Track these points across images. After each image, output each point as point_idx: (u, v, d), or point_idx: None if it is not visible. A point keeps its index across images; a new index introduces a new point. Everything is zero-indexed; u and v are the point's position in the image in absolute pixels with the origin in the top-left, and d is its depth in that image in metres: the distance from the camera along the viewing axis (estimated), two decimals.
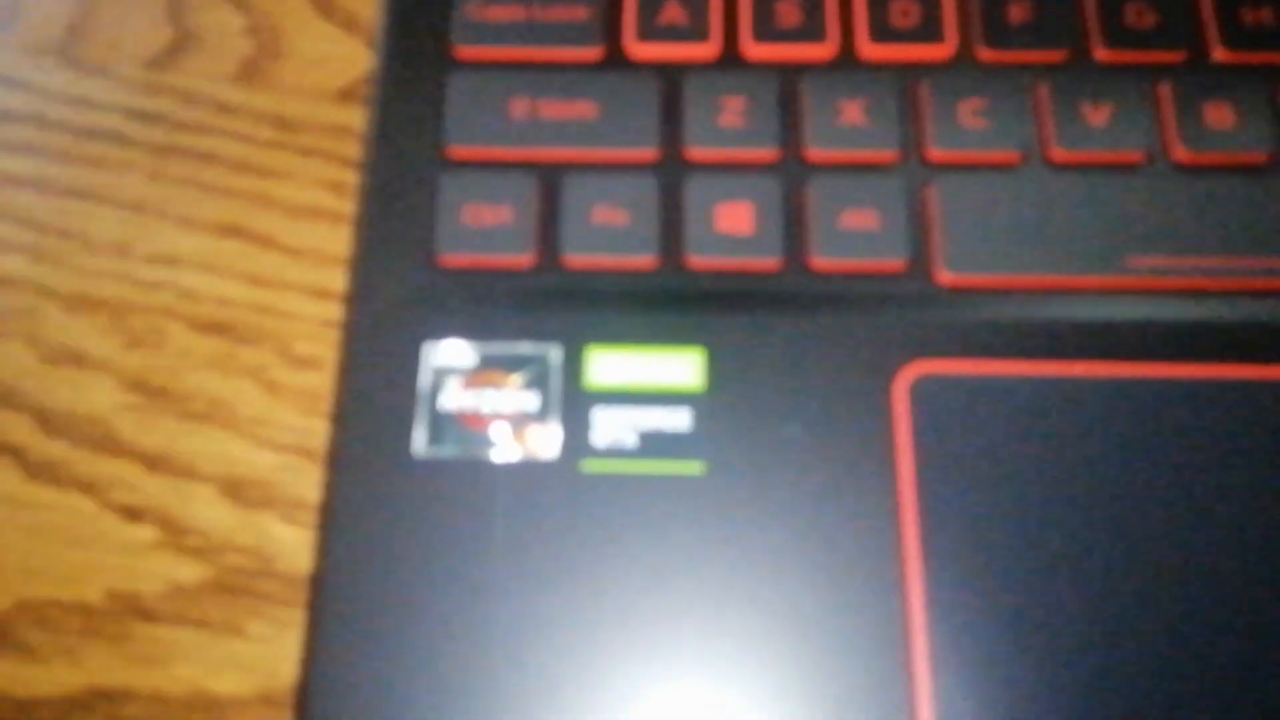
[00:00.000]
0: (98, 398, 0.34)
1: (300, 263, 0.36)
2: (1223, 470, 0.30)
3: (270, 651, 0.32)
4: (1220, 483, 0.30)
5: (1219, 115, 0.34)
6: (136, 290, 0.36)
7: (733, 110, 0.34)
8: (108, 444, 0.34)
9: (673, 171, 0.34)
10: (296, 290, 0.36)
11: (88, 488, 0.33)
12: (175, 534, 0.33)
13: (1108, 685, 0.29)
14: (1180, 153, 0.34)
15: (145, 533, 0.33)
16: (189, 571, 0.32)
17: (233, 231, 0.37)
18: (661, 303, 0.32)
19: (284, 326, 0.35)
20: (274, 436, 0.34)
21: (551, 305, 0.32)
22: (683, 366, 0.31)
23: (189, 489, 0.33)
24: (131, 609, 0.32)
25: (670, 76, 0.35)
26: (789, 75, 0.35)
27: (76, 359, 0.35)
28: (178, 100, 0.39)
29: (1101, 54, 0.35)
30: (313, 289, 0.36)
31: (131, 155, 0.38)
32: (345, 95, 0.39)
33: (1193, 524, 0.30)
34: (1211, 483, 0.30)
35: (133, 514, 0.33)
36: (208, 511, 0.33)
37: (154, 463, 0.34)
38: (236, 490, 0.33)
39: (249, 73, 0.39)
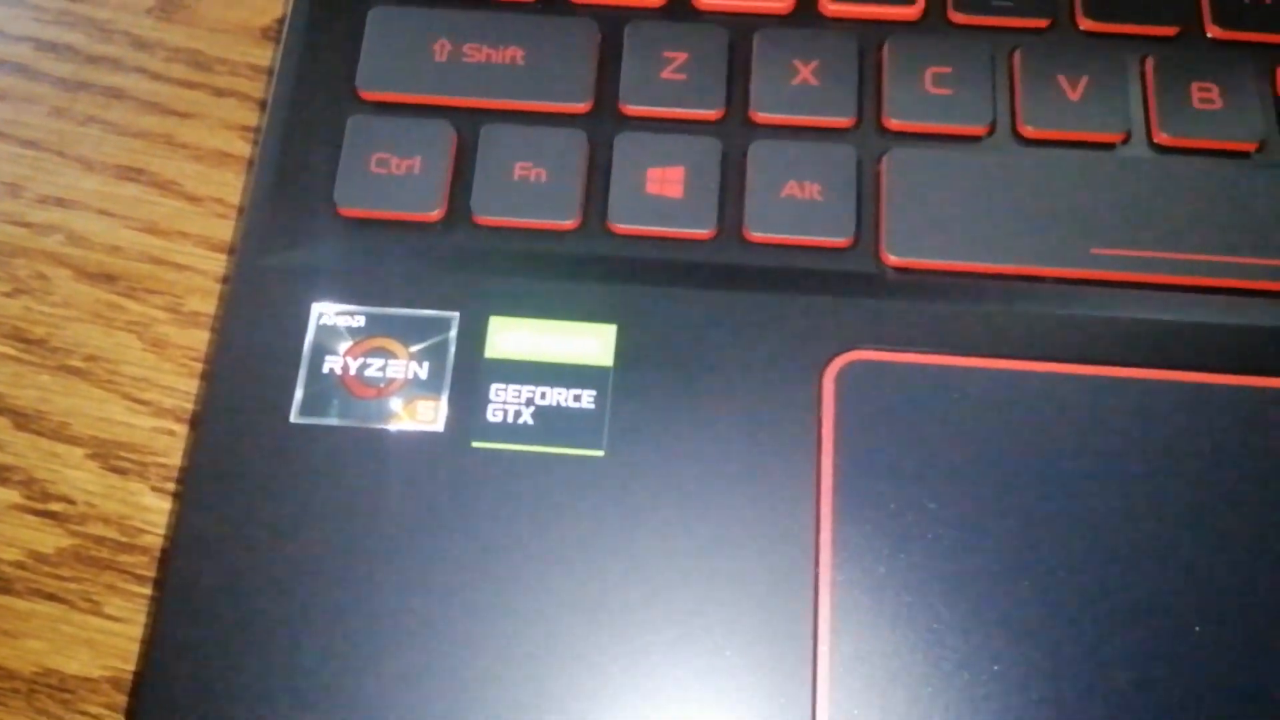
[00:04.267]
0: None
1: (201, 211, 0.33)
2: (1168, 479, 0.28)
3: (127, 631, 0.29)
4: (1163, 492, 0.27)
5: (1206, 95, 0.31)
6: (25, 233, 0.33)
7: (676, 63, 0.31)
8: None
9: (603, 127, 0.31)
10: (194, 241, 0.33)
11: None
12: (38, 498, 0.30)
13: (1013, 693, 0.26)
14: (1160, 135, 0.31)
15: (6, 494, 0.30)
16: (49, 539, 0.30)
17: (133, 174, 0.34)
18: (577, 270, 0.29)
19: (177, 280, 0.32)
20: (155, 398, 0.31)
21: (457, 266, 0.29)
22: (592, 342, 0.28)
23: (58, 450, 0.30)
24: None
25: (610, 23, 0.32)
26: (740, 28, 0.32)
27: None
28: (92, 33, 0.36)
29: (1085, 24, 0.32)
30: (211, 241, 0.33)
31: (37, 89, 0.35)
32: (268, 34, 0.36)
33: (1125, 532, 0.27)
34: (1154, 491, 0.27)
35: None
36: (76, 476, 0.30)
37: (24, 419, 0.31)
38: (109, 454, 0.30)
39: (169, 6, 0.36)
